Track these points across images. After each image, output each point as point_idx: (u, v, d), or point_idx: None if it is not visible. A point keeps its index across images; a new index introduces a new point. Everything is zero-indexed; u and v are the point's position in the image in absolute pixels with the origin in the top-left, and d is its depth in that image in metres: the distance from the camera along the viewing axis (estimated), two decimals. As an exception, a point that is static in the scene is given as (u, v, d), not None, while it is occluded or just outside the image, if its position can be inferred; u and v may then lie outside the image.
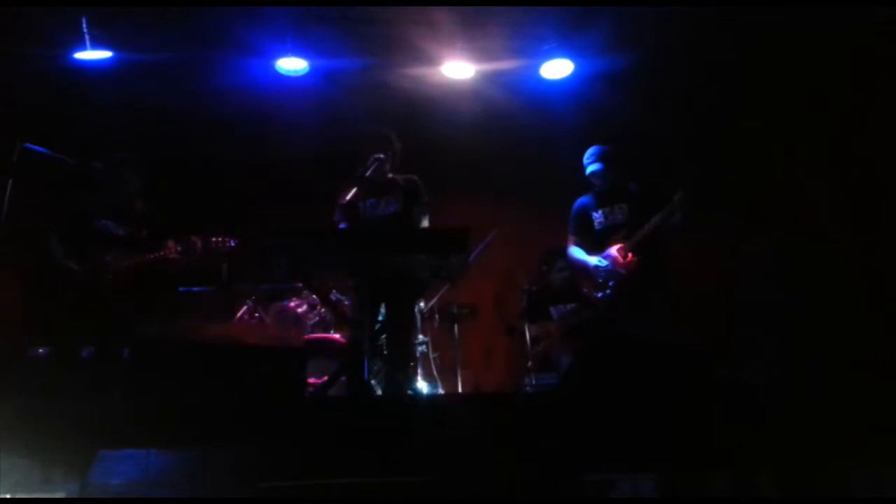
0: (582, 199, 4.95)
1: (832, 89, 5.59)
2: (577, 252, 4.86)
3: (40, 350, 4.38)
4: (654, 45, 5.85)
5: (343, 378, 4.36)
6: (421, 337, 5.85)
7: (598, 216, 4.82)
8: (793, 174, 6.01)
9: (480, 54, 6.01)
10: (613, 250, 4.64)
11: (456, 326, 6.07)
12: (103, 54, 5.66)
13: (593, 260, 4.70)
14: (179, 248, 4.71)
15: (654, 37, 5.74)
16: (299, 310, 5.76)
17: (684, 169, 4.84)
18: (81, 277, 4.50)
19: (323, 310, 5.67)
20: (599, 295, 4.76)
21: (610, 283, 4.65)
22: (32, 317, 4.55)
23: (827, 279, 4.71)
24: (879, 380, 3.89)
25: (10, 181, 4.04)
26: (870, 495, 2.93)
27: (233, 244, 4.89)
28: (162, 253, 4.68)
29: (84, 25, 5.42)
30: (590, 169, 4.83)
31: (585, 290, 5.04)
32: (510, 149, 6.93)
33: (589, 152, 4.90)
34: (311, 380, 4.86)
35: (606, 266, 4.64)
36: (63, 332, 4.36)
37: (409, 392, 4.65)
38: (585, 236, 4.87)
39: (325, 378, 4.59)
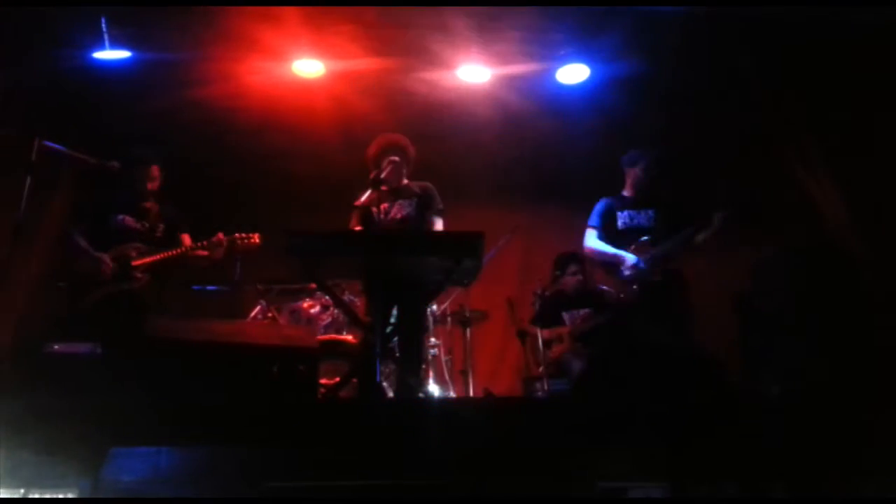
0: (609, 197, 5.06)
1: (848, 96, 5.53)
2: (600, 244, 4.89)
3: (56, 346, 4.40)
4: (670, 51, 5.81)
5: (355, 380, 4.37)
6: (433, 340, 5.85)
7: (623, 216, 4.90)
8: (805, 183, 5.96)
9: (496, 58, 6.01)
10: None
11: (468, 330, 6.06)
12: (122, 54, 5.70)
13: (631, 258, 4.71)
14: (205, 243, 4.78)
15: (671, 42, 5.71)
16: (312, 310, 5.76)
17: (718, 190, 4.92)
18: (112, 272, 4.58)
19: (335, 311, 5.68)
20: (621, 296, 4.80)
21: (633, 286, 4.67)
22: (53, 313, 4.61)
23: (839, 289, 4.68)
24: (891, 389, 3.86)
25: (29, 178, 4.06)
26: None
27: (257, 241, 4.94)
28: (182, 249, 4.76)
29: (103, 25, 5.46)
30: (626, 170, 4.98)
31: (605, 287, 5.03)
32: (525, 153, 6.92)
33: (628, 155, 5.03)
34: (323, 381, 4.87)
35: (638, 264, 4.66)
36: (85, 328, 4.40)
37: (421, 395, 4.65)
38: (607, 232, 4.95)
39: (337, 379, 4.60)
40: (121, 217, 4.76)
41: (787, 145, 6.08)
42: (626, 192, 5.04)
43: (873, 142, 5.36)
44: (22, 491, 2.67)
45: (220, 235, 4.82)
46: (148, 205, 4.90)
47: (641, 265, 4.67)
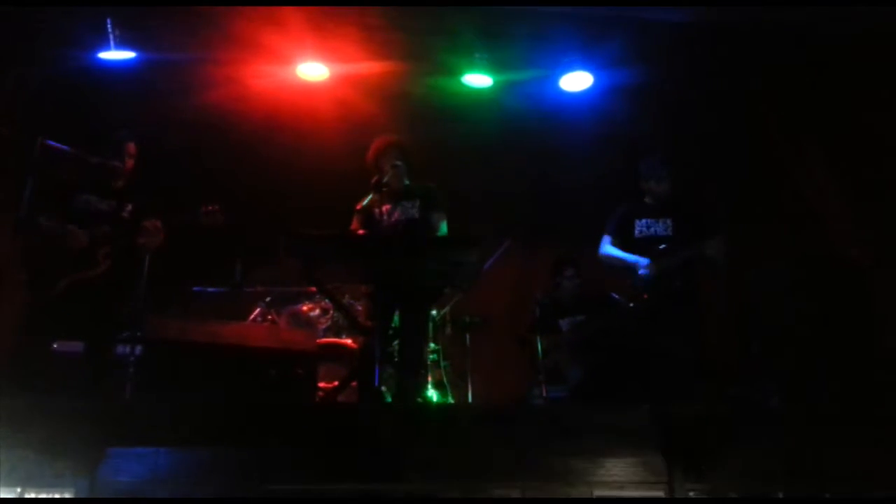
0: (630, 203, 5.00)
1: (854, 105, 5.52)
2: (615, 250, 4.85)
3: (55, 346, 4.38)
4: (674, 59, 5.83)
5: (354, 384, 4.37)
6: (432, 345, 5.84)
7: (640, 224, 4.84)
8: (809, 191, 5.96)
9: (500, 64, 6.01)
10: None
11: (467, 336, 6.05)
12: (127, 55, 5.71)
13: (645, 260, 4.68)
14: (147, 227, 4.38)
15: (675, 50, 5.72)
16: (312, 314, 5.76)
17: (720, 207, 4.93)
18: (82, 246, 4.24)
19: (335, 314, 5.68)
20: (631, 304, 4.78)
21: (644, 295, 4.64)
22: (40, 311, 4.39)
23: (841, 300, 4.68)
24: (892, 399, 3.85)
25: (31, 178, 4.05)
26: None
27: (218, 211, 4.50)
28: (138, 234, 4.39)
29: (109, 26, 5.48)
30: (645, 179, 4.91)
31: (615, 295, 4.99)
32: (528, 159, 6.92)
33: (647, 163, 4.95)
34: (322, 384, 4.86)
35: (648, 275, 4.65)
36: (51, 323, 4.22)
37: (420, 400, 4.65)
38: (623, 239, 4.89)
39: (336, 383, 4.60)
40: (85, 197, 4.43)
41: (792, 153, 6.07)
42: (647, 199, 4.96)
43: (879, 150, 5.34)
44: (18, 490, 2.67)
45: (157, 223, 4.40)
46: (118, 183, 4.57)
47: (653, 271, 4.64)
